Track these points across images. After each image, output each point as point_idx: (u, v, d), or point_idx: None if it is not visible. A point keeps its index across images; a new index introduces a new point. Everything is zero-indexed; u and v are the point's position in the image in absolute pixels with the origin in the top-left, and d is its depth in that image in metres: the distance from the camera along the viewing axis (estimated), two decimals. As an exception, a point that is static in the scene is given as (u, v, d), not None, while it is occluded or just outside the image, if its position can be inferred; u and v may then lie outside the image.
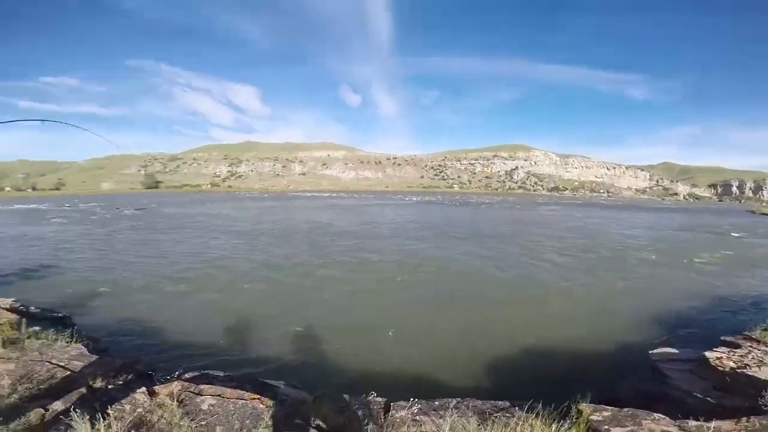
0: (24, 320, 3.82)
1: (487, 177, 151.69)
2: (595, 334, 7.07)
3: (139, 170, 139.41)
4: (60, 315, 5.15)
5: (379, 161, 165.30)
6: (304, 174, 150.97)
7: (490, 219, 31.71)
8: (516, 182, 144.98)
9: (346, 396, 3.34)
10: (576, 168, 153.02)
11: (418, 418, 3.00)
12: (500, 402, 3.22)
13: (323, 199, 63.71)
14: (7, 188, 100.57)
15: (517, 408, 2.79)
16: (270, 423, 2.23)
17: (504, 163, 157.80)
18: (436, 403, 3.34)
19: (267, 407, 2.45)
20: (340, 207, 44.53)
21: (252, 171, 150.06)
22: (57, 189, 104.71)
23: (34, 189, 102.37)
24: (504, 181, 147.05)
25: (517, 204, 56.17)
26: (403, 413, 3.08)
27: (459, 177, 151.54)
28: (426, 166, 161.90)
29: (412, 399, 3.26)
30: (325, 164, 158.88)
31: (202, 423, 2.24)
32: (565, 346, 6.49)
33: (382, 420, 2.95)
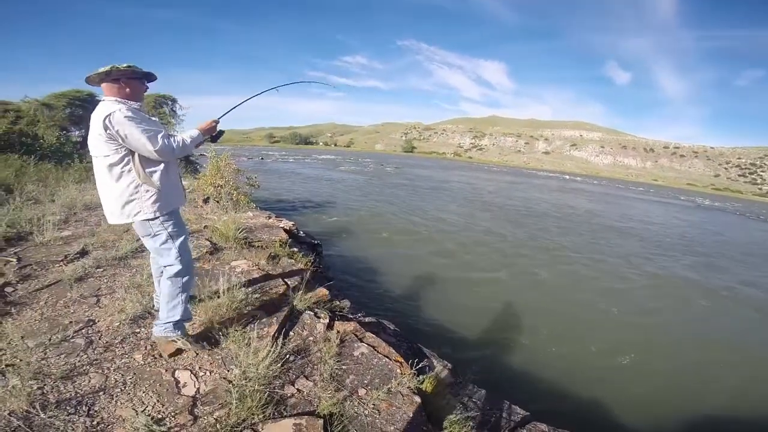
0: (289, 240, 5.08)
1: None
2: None
3: (401, 136, 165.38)
4: (314, 242, 6.71)
5: (651, 149, 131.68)
6: (547, 153, 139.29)
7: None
8: None
9: (483, 392, 3.19)
10: None
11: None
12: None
13: (567, 182, 57.12)
14: (320, 143, 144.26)
15: None
16: (393, 390, 2.26)
17: None
18: None
19: (402, 374, 2.45)
20: (593, 194, 38.50)
21: (493, 145, 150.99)
22: (348, 146, 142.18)
23: (335, 145, 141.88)
24: None
25: None
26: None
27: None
28: (727, 163, 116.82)
29: (554, 427, 2.80)
30: (574, 145, 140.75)
31: (343, 367, 2.41)
32: None
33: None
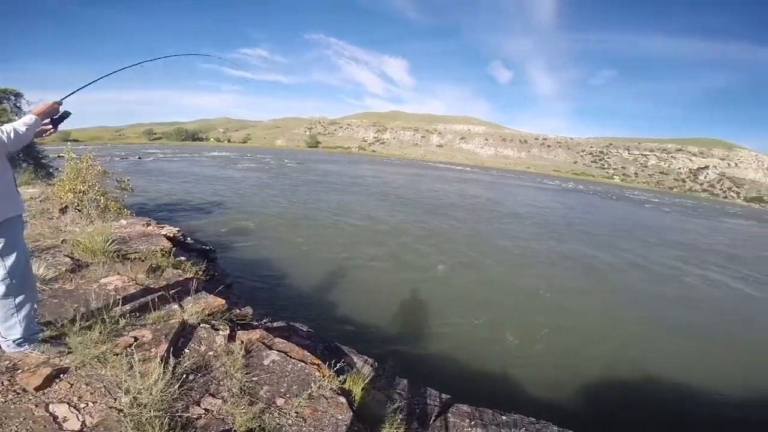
0: (174, 249, 4.49)
1: (661, 173, 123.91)
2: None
3: (305, 131, 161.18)
4: (206, 248, 6.08)
5: (525, 140, 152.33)
6: (441, 146, 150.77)
7: (658, 223, 25.59)
8: (701, 184, 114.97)
9: (405, 381, 3.23)
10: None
11: (475, 430, 2.72)
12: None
13: (461, 173, 62.61)
14: (212, 139, 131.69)
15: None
16: (315, 394, 2.22)
17: (690, 160, 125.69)
18: (503, 417, 2.98)
19: (322, 376, 2.37)
20: (487, 183, 43.41)
21: (394, 139, 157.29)
22: (244, 142, 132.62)
23: (229, 141, 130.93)
24: (684, 180, 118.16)
25: (696, 210, 43.57)
26: (457, 420, 2.82)
27: (623, 168, 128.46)
28: (582, 151, 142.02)
29: (475, 407, 2.96)
30: (463, 138, 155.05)
31: (254, 379, 2.24)
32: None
33: (432, 421, 2.74)
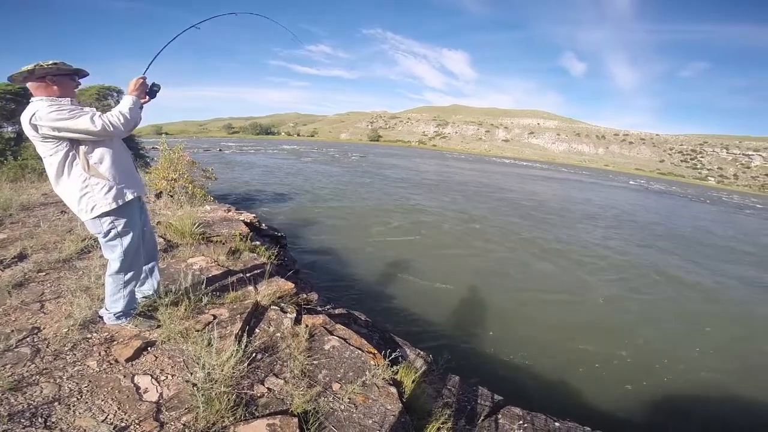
0: (250, 234, 4.86)
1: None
2: None
3: (367, 125, 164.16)
4: (278, 234, 6.51)
5: (603, 136, 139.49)
6: (507, 141, 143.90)
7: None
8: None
9: (457, 378, 3.23)
10: None
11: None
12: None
13: (533, 169, 58.63)
14: (283, 133, 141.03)
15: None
16: (368, 382, 2.25)
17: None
18: (557, 424, 2.86)
19: (376, 365, 2.44)
20: (574, 183, 40.44)
21: (456, 133, 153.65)
22: (311, 136, 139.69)
23: (298, 135, 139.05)
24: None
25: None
26: (507, 422, 2.78)
27: (720, 168, 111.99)
28: (670, 149, 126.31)
29: (527, 410, 2.89)
30: (532, 133, 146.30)
31: (314, 362, 2.36)
32: None
33: (481, 420, 2.73)
